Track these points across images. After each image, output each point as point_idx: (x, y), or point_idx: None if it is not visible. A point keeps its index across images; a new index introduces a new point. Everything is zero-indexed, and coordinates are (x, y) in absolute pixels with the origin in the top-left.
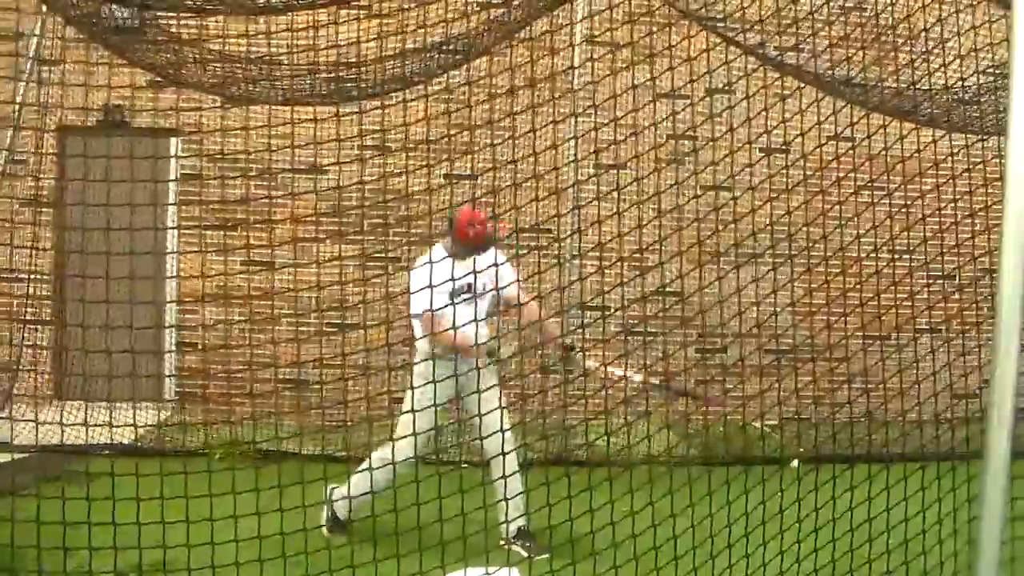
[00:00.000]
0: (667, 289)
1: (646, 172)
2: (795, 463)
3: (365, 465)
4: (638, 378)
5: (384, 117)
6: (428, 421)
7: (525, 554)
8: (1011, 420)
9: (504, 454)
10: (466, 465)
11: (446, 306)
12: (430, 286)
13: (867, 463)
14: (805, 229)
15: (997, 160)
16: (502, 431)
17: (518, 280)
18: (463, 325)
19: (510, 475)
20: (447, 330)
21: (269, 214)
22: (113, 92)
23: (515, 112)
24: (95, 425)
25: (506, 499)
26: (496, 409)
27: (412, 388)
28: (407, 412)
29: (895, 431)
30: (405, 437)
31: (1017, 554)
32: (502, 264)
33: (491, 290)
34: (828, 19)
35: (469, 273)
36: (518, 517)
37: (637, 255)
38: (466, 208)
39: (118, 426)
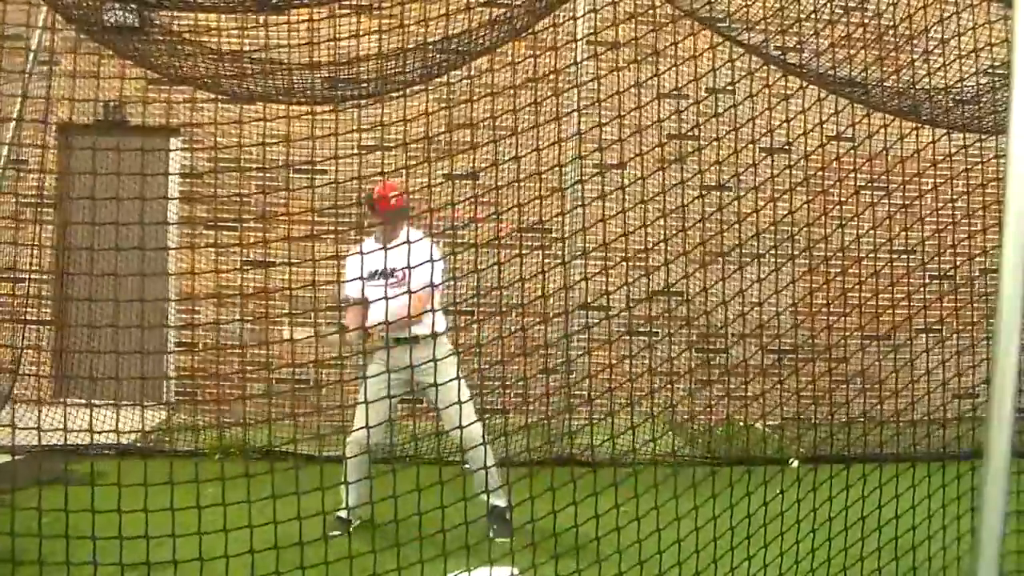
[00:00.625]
0: (666, 289)
1: (644, 171)
2: (794, 463)
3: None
4: None
5: (382, 114)
6: (379, 414)
7: (491, 535)
8: (1011, 420)
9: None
10: (468, 465)
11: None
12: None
13: (862, 463)
14: (806, 229)
15: (998, 160)
16: (484, 442)
17: (431, 261)
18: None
19: (485, 467)
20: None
21: (274, 213)
22: (113, 91)
23: (516, 109)
24: (76, 431)
25: (487, 491)
26: (456, 404)
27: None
28: (360, 403)
29: (894, 431)
30: (357, 430)
31: (1010, 549)
32: (420, 249)
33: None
34: (831, 18)
35: (379, 253)
36: (503, 506)
37: (635, 254)
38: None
39: (100, 432)
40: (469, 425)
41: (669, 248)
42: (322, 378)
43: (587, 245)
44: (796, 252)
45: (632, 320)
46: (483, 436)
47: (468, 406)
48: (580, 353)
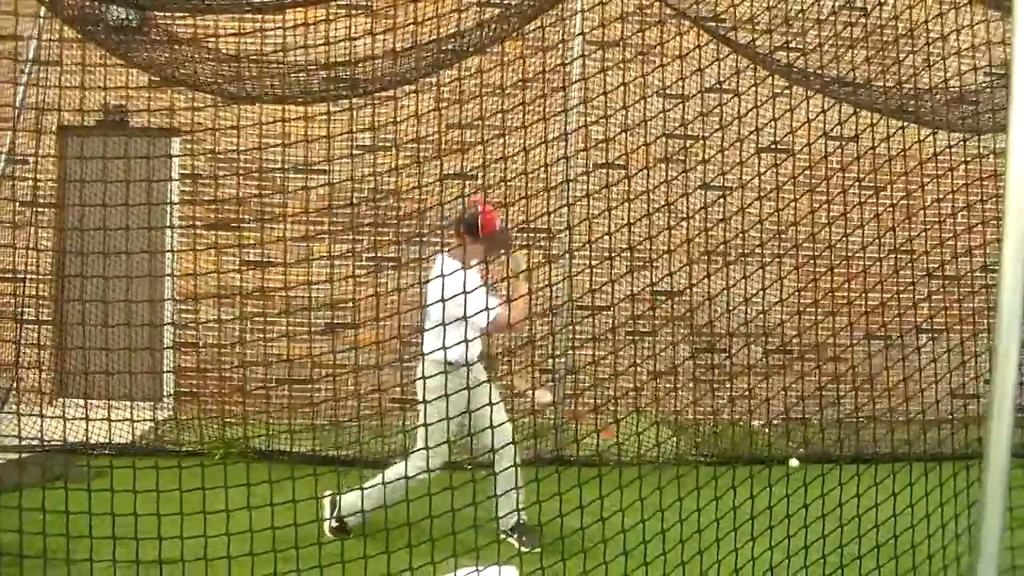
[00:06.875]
0: (661, 288)
1: (638, 170)
2: (794, 462)
3: (378, 479)
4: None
5: (375, 115)
6: (443, 435)
7: (520, 548)
8: (1011, 420)
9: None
10: (469, 467)
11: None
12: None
13: (869, 462)
14: (809, 230)
15: (984, 161)
16: (513, 442)
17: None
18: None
19: (509, 470)
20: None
21: (266, 214)
22: (113, 92)
23: (508, 109)
24: (54, 417)
25: (517, 489)
26: (507, 422)
27: (425, 402)
28: (422, 425)
29: (899, 430)
30: (420, 451)
31: (1017, 563)
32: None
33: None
34: (825, 18)
35: (471, 274)
36: (511, 512)
37: (627, 252)
38: (477, 201)
39: (70, 419)
40: (501, 425)
41: (665, 246)
42: (319, 376)
43: (586, 244)
44: (819, 254)
45: (634, 320)
46: (512, 436)
47: (499, 408)
48: (581, 352)
